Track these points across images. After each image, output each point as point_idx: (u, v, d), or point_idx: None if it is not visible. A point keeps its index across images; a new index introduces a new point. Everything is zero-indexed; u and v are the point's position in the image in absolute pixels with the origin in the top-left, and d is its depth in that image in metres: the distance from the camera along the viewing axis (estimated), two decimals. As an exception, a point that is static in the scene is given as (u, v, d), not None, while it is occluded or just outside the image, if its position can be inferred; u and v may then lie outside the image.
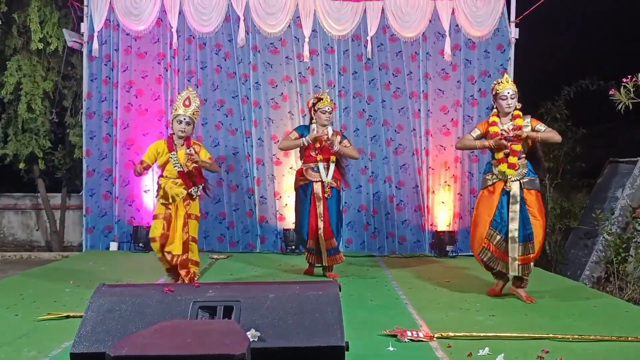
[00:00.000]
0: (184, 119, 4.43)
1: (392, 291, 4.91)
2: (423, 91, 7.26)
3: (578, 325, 3.81)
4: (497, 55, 7.25)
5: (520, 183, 4.49)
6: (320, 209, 5.28)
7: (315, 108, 5.33)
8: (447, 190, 7.27)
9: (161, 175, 4.52)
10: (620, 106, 4.21)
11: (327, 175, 5.30)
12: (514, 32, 7.22)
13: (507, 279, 4.63)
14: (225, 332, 2.05)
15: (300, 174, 5.44)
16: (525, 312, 4.18)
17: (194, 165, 4.43)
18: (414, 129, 7.24)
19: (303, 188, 5.37)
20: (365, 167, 7.26)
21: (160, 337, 1.97)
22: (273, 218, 7.21)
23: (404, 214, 7.26)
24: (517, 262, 4.44)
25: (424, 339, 3.36)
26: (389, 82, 7.26)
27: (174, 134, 4.51)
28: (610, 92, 4.23)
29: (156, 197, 4.55)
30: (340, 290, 2.49)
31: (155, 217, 4.48)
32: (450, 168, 7.27)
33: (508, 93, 4.49)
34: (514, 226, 4.44)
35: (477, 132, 4.67)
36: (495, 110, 4.63)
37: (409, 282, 5.27)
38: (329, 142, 5.26)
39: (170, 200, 4.39)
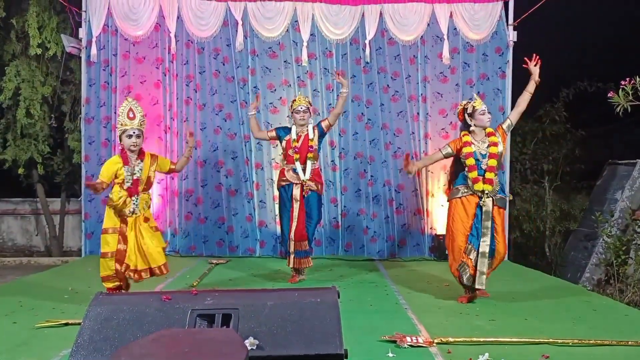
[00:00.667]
0: (133, 132, 4.23)
1: (392, 296, 4.91)
2: (422, 94, 7.26)
3: (578, 329, 3.80)
4: (495, 58, 7.25)
5: (493, 200, 4.56)
6: (296, 211, 5.30)
7: (291, 109, 5.45)
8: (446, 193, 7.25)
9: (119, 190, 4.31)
10: (619, 109, 4.21)
11: (304, 174, 5.31)
12: (512, 35, 7.23)
13: (477, 293, 4.67)
14: (223, 341, 2.03)
15: (282, 174, 5.47)
16: (525, 316, 4.17)
17: (136, 178, 4.27)
18: (413, 132, 7.24)
19: (285, 188, 5.42)
20: (365, 170, 7.26)
21: (158, 347, 1.96)
22: (272, 222, 7.20)
23: (404, 217, 7.25)
24: (484, 276, 4.50)
25: (424, 345, 3.35)
26: (388, 85, 7.26)
27: (125, 149, 4.30)
28: (609, 95, 4.23)
29: (110, 208, 4.31)
30: (339, 297, 2.48)
31: (105, 230, 4.29)
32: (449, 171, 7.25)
33: (485, 108, 4.64)
34: (485, 241, 4.50)
35: (447, 150, 4.73)
36: (466, 130, 4.70)
37: (408, 287, 5.26)
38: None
39: (127, 214, 4.24)
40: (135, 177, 4.29)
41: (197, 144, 7.13)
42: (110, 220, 4.28)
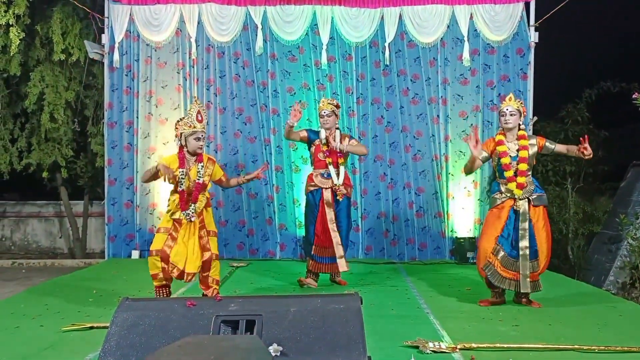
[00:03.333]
0: (201, 135, 4.21)
1: (413, 300, 4.88)
2: (442, 97, 7.23)
3: (604, 335, 3.74)
4: (516, 60, 7.19)
5: (528, 200, 4.52)
6: (331, 214, 5.23)
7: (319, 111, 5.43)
8: (467, 196, 7.22)
9: (173, 191, 4.30)
10: (643, 110, 4.15)
11: (338, 178, 5.28)
12: (533, 36, 7.15)
13: (504, 299, 4.62)
14: (247, 348, 2.05)
15: (310, 179, 5.40)
16: (549, 321, 4.12)
17: (199, 181, 4.21)
18: (433, 135, 7.21)
19: (313, 194, 5.35)
20: (385, 173, 7.24)
21: (183, 354, 1.97)
22: (292, 225, 7.22)
23: (424, 220, 7.22)
24: (528, 279, 4.47)
25: (447, 351, 3.33)
26: (408, 88, 7.24)
27: (186, 150, 4.25)
28: (634, 96, 4.17)
29: (167, 212, 4.30)
30: (362, 303, 2.48)
31: (158, 230, 4.28)
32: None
33: (507, 110, 4.56)
34: (524, 244, 4.47)
35: (483, 154, 4.64)
36: (501, 128, 4.70)
37: (429, 291, 5.23)
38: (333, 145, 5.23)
39: (179, 217, 4.19)
40: (192, 181, 4.22)
41: (217, 147, 7.19)
42: (164, 221, 4.30)
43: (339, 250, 5.22)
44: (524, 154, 4.52)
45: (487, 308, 4.54)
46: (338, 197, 5.26)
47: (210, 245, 4.29)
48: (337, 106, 5.41)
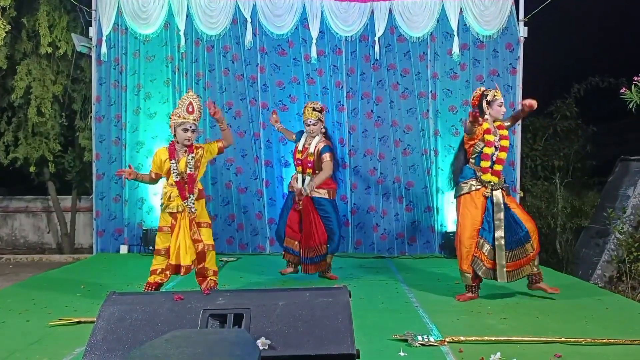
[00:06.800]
0: (190, 127, 4.13)
1: (402, 294, 4.90)
2: (431, 91, 7.23)
3: (591, 328, 3.78)
4: (506, 54, 7.20)
5: (502, 190, 4.56)
6: (312, 217, 5.31)
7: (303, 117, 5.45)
8: (456, 190, 7.24)
9: (167, 184, 4.27)
10: (631, 105, 4.17)
11: (303, 183, 5.33)
12: (522, 31, 7.17)
13: (478, 295, 4.62)
14: (235, 342, 2.04)
15: (291, 180, 5.60)
16: (536, 314, 4.15)
17: (190, 172, 4.17)
18: (423, 130, 7.21)
19: (291, 194, 5.50)
20: (374, 168, 7.25)
21: (171, 348, 1.97)
22: (282, 220, 7.21)
23: (413, 214, 7.23)
24: (505, 269, 4.45)
25: (435, 344, 3.35)
26: (397, 82, 7.23)
27: (177, 141, 4.22)
28: (622, 91, 4.19)
29: (161, 206, 4.29)
30: (350, 297, 2.48)
31: (160, 229, 4.25)
32: (460, 168, 7.23)
33: (502, 101, 4.61)
34: (499, 234, 4.48)
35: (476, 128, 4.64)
36: (487, 115, 4.60)
37: (419, 285, 5.25)
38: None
39: (175, 210, 4.17)
40: (185, 172, 4.18)
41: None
42: (162, 219, 4.26)
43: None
44: (505, 142, 4.58)
45: (475, 301, 4.55)
46: (299, 205, 5.29)
47: (204, 236, 4.26)
48: (322, 110, 5.44)
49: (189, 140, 4.17)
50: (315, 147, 5.31)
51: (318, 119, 5.32)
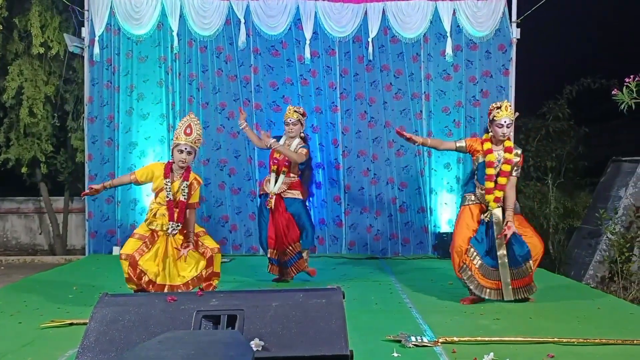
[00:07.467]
0: (185, 148, 4.11)
1: (396, 294, 4.91)
2: (425, 92, 7.25)
3: (583, 328, 3.80)
4: (498, 56, 7.23)
5: (503, 209, 4.49)
6: (284, 220, 5.29)
7: (284, 118, 5.40)
8: (449, 191, 7.26)
9: (155, 201, 4.24)
10: (623, 106, 4.20)
11: (274, 186, 5.30)
12: (515, 32, 7.21)
13: (483, 299, 4.58)
14: (228, 343, 2.03)
15: (262, 183, 5.53)
16: (529, 315, 4.17)
17: (183, 200, 4.15)
18: (416, 130, 7.22)
19: (263, 198, 5.46)
20: (368, 169, 7.25)
21: (164, 349, 1.96)
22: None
23: (407, 215, 7.25)
24: (510, 287, 4.44)
25: (429, 345, 3.35)
26: (391, 83, 7.25)
27: (173, 162, 4.20)
28: (613, 92, 4.21)
29: (145, 220, 4.25)
30: (344, 298, 2.48)
31: (132, 235, 4.22)
32: (453, 169, 7.26)
33: (504, 122, 4.42)
34: (502, 252, 4.44)
35: (461, 144, 4.64)
36: (490, 134, 4.55)
37: (412, 285, 5.26)
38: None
39: (158, 228, 4.14)
40: (179, 197, 4.16)
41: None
42: (141, 228, 4.24)
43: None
44: (506, 167, 4.45)
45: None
46: (269, 205, 5.26)
47: (207, 242, 4.28)
48: (304, 114, 5.45)
49: (183, 162, 4.15)
50: (294, 148, 5.30)
51: (298, 119, 5.33)
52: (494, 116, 4.46)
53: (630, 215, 6.62)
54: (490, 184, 4.48)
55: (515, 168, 4.52)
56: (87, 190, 4.35)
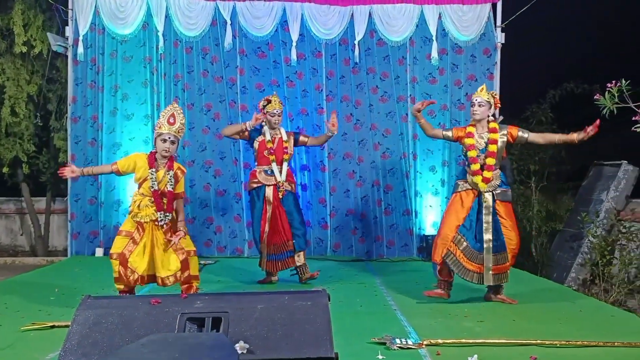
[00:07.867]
0: (169, 137, 4.10)
1: (381, 297, 4.92)
2: (410, 95, 7.28)
3: (565, 330, 3.83)
4: (483, 60, 7.30)
5: (493, 194, 4.54)
6: (269, 213, 5.28)
7: (265, 111, 5.33)
8: (434, 194, 7.30)
9: (138, 192, 4.21)
10: (605, 111, 4.25)
11: (280, 175, 5.31)
12: (500, 37, 7.28)
13: (449, 294, 4.63)
14: (213, 346, 2.03)
15: (253, 176, 5.42)
16: (512, 317, 4.20)
17: (170, 190, 4.14)
18: (402, 133, 7.26)
19: (256, 191, 5.37)
20: (353, 171, 7.27)
21: (148, 352, 1.94)
22: (261, 222, 7.17)
23: (392, 217, 7.27)
24: (491, 272, 4.48)
25: (413, 347, 3.36)
26: (377, 86, 7.27)
27: (156, 152, 4.19)
28: (595, 97, 4.26)
29: (129, 213, 4.23)
30: (329, 300, 2.48)
31: (119, 232, 4.20)
32: (438, 172, 7.31)
33: (476, 100, 4.56)
34: (488, 237, 4.49)
35: (448, 133, 4.72)
36: (472, 119, 4.66)
37: (397, 287, 5.27)
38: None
39: (144, 220, 4.11)
40: (166, 188, 4.14)
41: (184, 144, 7.09)
42: (126, 223, 4.20)
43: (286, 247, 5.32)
44: (492, 147, 4.51)
45: (452, 304, 4.56)
46: (280, 194, 5.28)
47: (184, 243, 4.20)
48: (282, 103, 5.56)
49: (166, 151, 4.14)
50: (287, 133, 5.43)
51: (281, 110, 5.41)
52: (472, 97, 4.62)
53: (611, 219, 6.72)
54: (475, 166, 4.54)
55: (518, 135, 4.56)
56: (66, 170, 4.26)
